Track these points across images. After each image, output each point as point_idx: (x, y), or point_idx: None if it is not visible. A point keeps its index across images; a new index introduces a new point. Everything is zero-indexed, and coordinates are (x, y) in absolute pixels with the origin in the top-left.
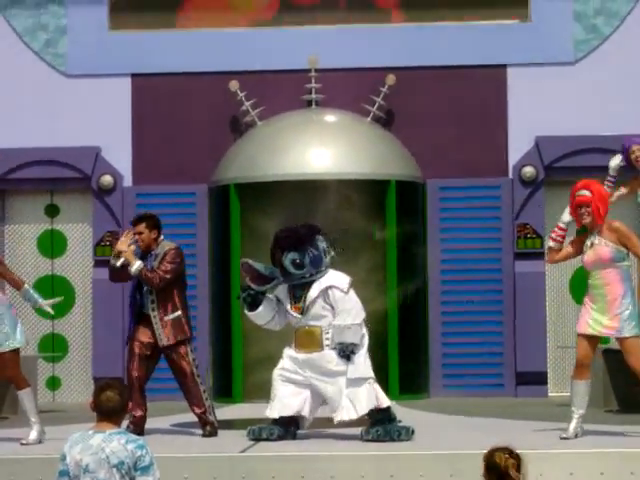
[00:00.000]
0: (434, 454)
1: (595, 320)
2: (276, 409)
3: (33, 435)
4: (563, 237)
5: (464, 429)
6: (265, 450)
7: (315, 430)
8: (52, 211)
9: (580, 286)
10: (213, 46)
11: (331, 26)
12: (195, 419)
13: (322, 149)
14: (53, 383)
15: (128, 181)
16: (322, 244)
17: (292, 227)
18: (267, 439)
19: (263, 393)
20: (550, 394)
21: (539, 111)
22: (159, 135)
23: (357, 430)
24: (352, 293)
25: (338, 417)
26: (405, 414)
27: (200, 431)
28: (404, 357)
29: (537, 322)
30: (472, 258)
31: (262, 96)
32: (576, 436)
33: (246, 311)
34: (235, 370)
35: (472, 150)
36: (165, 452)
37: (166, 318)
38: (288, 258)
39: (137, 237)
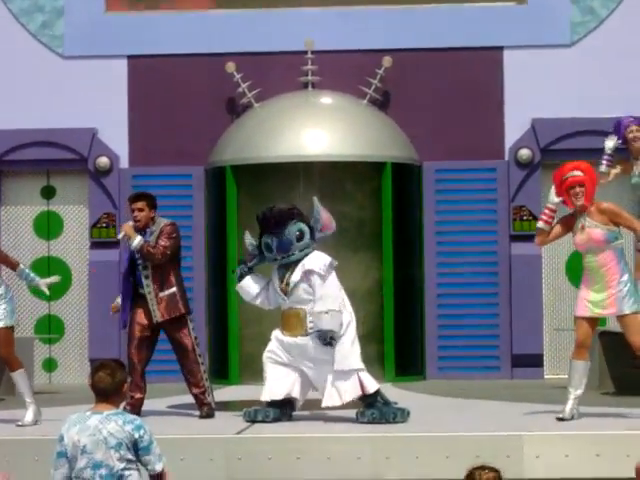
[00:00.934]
0: (430, 436)
1: (594, 302)
2: (267, 393)
3: (29, 416)
4: (553, 218)
5: (460, 411)
6: (261, 432)
7: (311, 412)
8: (48, 192)
9: (577, 268)
10: (210, 28)
11: (328, 8)
12: (191, 401)
13: (318, 131)
14: (49, 365)
15: (124, 163)
16: (295, 227)
17: (268, 209)
18: (263, 421)
19: (259, 375)
20: (546, 376)
21: (535, 93)
22: (156, 117)
23: (353, 412)
24: (332, 277)
25: (324, 402)
26: (401, 396)
27: (197, 412)
28: (400, 339)
29: (533, 304)
30: (468, 240)
31: (259, 78)
32: (572, 417)
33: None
34: (231, 351)
35: (468, 132)
36: (161, 433)
37: (161, 294)
38: (262, 240)
39: (136, 214)
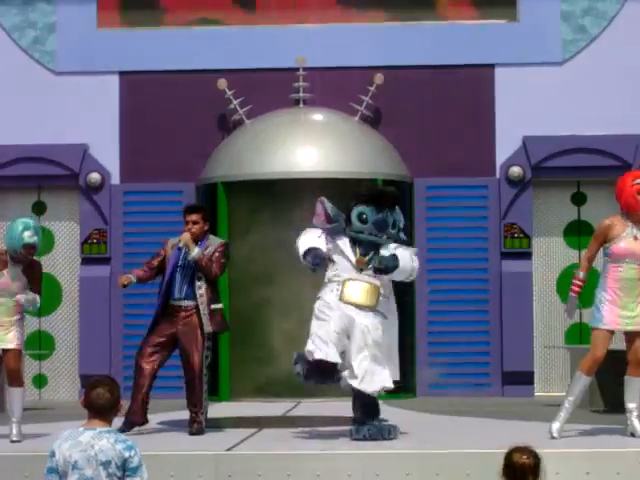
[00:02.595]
0: (420, 453)
1: (625, 315)
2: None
3: (15, 432)
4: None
5: (450, 429)
6: (251, 448)
7: (301, 429)
8: (39, 208)
9: (568, 285)
10: (201, 44)
11: (319, 25)
12: (182, 417)
13: (309, 148)
14: (39, 381)
15: (116, 179)
16: (398, 215)
17: (381, 185)
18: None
19: (250, 392)
20: (537, 394)
21: (526, 111)
22: (147, 133)
23: (343, 428)
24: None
25: (355, 384)
26: (392, 414)
27: (187, 429)
28: None
29: (524, 322)
30: (459, 258)
31: (250, 95)
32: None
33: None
34: (222, 368)
35: (459, 149)
36: (151, 450)
37: (213, 307)
38: (357, 209)
39: (190, 226)
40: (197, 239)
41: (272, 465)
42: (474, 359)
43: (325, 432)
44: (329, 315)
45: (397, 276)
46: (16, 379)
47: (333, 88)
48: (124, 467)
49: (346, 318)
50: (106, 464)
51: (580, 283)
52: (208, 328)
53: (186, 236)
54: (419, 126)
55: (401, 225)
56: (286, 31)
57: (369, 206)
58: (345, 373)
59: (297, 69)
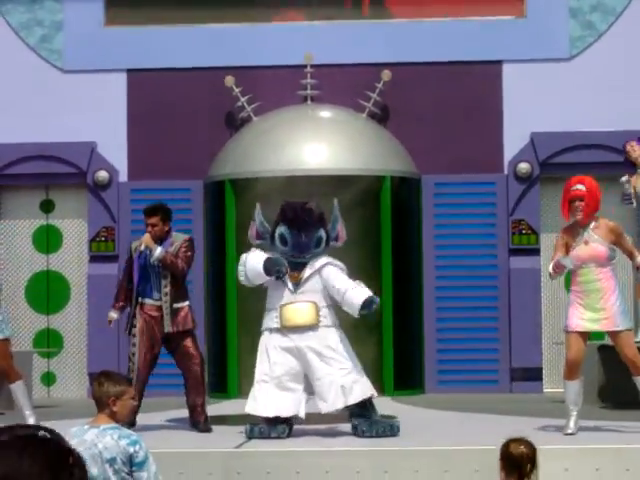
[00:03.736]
0: (429, 450)
1: (589, 317)
2: (273, 409)
3: None
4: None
5: (459, 425)
6: (260, 446)
7: (310, 426)
8: (47, 206)
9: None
10: (209, 42)
11: (327, 22)
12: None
13: (317, 145)
14: (48, 378)
15: (124, 176)
16: (318, 234)
17: (299, 204)
18: (278, 437)
19: None
20: (545, 390)
21: (534, 107)
22: (155, 130)
23: (350, 426)
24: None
25: (328, 407)
26: (400, 410)
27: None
28: (399, 353)
29: (532, 318)
30: (467, 254)
31: (258, 92)
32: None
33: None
34: (230, 365)
35: (467, 146)
36: (160, 448)
37: (175, 306)
38: (278, 229)
39: (149, 229)
40: (160, 238)
41: (281, 462)
42: (482, 355)
43: (332, 430)
44: (270, 358)
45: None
46: (10, 374)
47: (341, 85)
48: (130, 462)
49: (292, 352)
50: (111, 461)
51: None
52: (169, 328)
53: (146, 237)
54: (427, 123)
55: (328, 239)
56: (294, 28)
57: (289, 228)
58: (328, 399)
59: (305, 66)
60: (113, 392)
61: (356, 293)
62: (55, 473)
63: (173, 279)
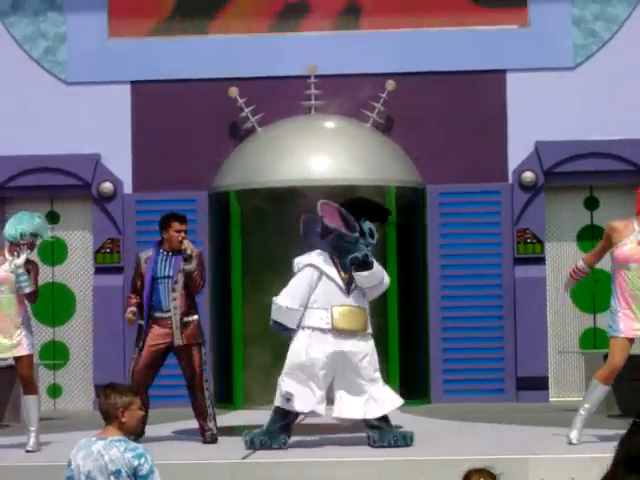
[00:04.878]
0: (436, 460)
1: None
2: (301, 403)
3: (32, 442)
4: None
5: (465, 435)
6: (266, 457)
7: (317, 436)
8: (52, 218)
9: (581, 291)
10: (213, 53)
11: (331, 32)
12: (197, 426)
13: (322, 155)
14: (54, 391)
15: (128, 188)
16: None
17: (365, 198)
18: (279, 448)
19: (264, 399)
20: (551, 399)
21: (538, 116)
22: (159, 142)
23: (360, 435)
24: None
25: (364, 414)
26: (406, 420)
27: (200, 438)
28: (405, 362)
29: (538, 327)
30: (472, 263)
31: (262, 103)
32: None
33: (360, 272)
34: (236, 375)
35: (472, 155)
36: (166, 459)
37: (186, 319)
38: (366, 225)
39: (184, 235)
40: (180, 250)
41: (288, 473)
42: (488, 365)
43: (341, 439)
44: (313, 357)
45: (372, 279)
46: (30, 387)
47: (345, 95)
48: (135, 475)
49: (334, 354)
50: (117, 473)
51: (577, 271)
52: (178, 341)
53: (188, 242)
54: (431, 132)
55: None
56: (298, 38)
57: (371, 221)
58: (354, 407)
59: (309, 77)
60: (121, 403)
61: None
62: None
63: (184, 292)
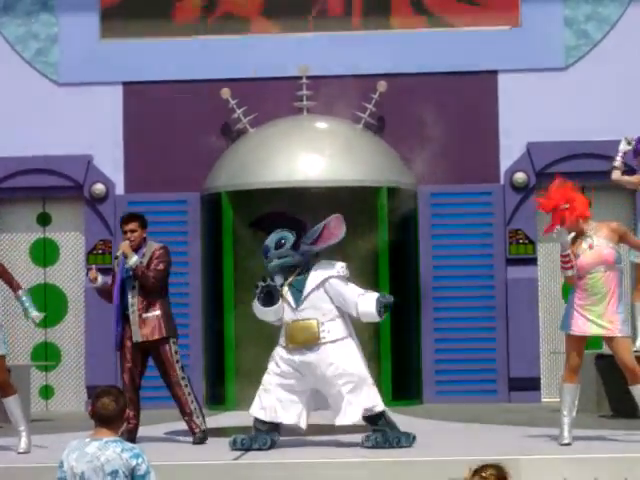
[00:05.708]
0: (428, 460)
1: (593, 321)
2: (270, 413)
3: (24, 443)
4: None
5: (458, 435)
6: (259, 457)
7: (310, 437)
8: (44, 220)
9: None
10: (204, 54)
11: (322, 33)
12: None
13: (314, 156)
14: (46, 392)
15: (120, 189)
16: (277, 235)
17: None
18: (259, 449)
19: None
20: (543, 400)
21: (530, 117)
22: (151, 143)
23: (352, 437)
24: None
25: (340, 420)
26: (398, 420)
27: (191, 438)
28: (397, 363)
29: (530, 328)
30: (464, 264)
31: (254, 104)
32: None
33: (260, 307)
34: (227, 377)
35: (463, 156)
36: (158, 460)
37: (144, 316)
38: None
39: (129, 235)
40: (138, 247)
41: (281, 474)
42: (480, 365)
43: (335, 440)
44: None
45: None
46: (6, 388)
47: (336, 96)
48: (132, 475)
49: (299, 369)
50: (113, 474)
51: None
52: (137, 337)
53: (125, 244)
54: (423, 133)
55: (285, 241)
56: (289, 39)
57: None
58: (341, 413)
59: (300, 77)
60: (125, 405)
61: (365, 300)
62: None
63: (141, 289)
